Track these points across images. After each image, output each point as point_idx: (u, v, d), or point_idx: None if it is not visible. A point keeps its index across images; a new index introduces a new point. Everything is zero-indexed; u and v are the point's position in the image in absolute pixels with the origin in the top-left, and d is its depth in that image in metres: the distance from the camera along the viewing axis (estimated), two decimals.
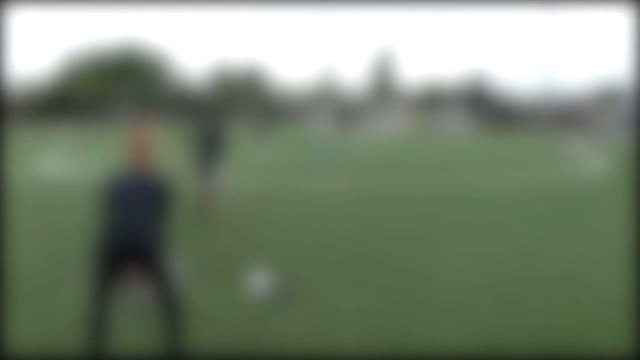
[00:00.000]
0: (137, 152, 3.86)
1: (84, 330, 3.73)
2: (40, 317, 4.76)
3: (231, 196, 11.56)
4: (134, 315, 3.76)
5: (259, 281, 5.48)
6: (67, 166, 18.89)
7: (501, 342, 4.20)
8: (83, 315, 3.77)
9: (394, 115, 67.84)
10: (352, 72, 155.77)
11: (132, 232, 3.60)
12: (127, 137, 3.90)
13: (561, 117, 55.08)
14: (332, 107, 62.38)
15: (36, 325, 4.60)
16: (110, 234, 3.59)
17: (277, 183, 13.83)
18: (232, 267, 6.26)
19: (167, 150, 3.88)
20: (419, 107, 75.44)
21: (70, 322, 4.62)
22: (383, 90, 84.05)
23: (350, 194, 11.89)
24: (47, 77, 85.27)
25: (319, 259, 6.60)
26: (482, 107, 70.76)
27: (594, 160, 14.09)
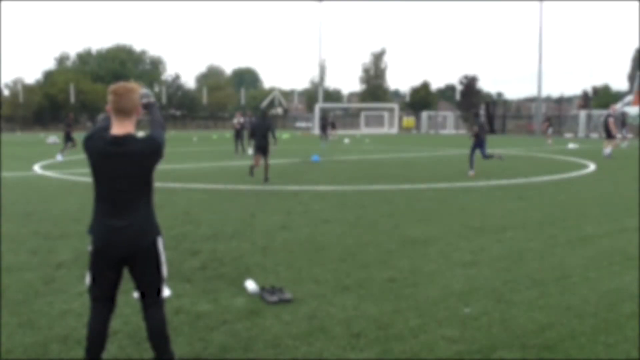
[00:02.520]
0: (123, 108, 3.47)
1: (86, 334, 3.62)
2: (30, 321, 4.68)
3: (223, 196, 11.51)
4: None
5: (251, 283, 5.43)
6: (59, 170, 18.73)
7: (494, 346, 4.15)
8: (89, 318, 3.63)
9: (387, 116, 67.86)
10: (345, 74, 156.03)
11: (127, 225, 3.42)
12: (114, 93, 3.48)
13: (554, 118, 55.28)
14: (324, 109, 62.32)
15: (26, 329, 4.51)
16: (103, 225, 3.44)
17: (268, 184, 13.78)
18: (225, 268, 6.19)
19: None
20: (411, 108, 75.62)
21: (61, 326, 4.55)
22: (375, 92, 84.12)
23: (341, 196, 11.85)
24: (37, 78, 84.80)
25: (310, 261, 6.55)
26: (474, 107, 70.91)
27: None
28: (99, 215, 3.50)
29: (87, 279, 3.56)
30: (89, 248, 3.53)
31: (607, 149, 22.80)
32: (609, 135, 23.27)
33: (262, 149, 14.29)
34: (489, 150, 16.40)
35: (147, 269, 3.54)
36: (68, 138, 23.14)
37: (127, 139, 3.43)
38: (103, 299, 3.55)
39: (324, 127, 34.78)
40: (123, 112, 3.46)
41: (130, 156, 3.41)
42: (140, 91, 3.62)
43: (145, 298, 3.60)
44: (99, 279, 3.52)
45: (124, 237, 3.44)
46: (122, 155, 3.41)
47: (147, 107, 3.75)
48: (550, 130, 35.66)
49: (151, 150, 3.47)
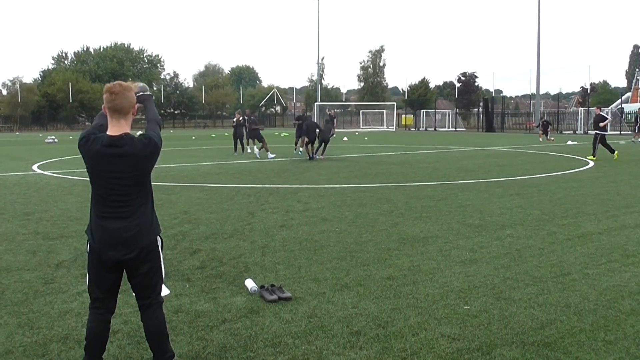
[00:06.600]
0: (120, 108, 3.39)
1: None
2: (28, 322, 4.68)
3: (222, 195, 11.50)
4: None
5: (250, 282, 5.43)
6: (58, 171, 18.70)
7: (494, 343, 4.16)
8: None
9: (386, 114, 67.85)
10: (344, 72, 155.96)
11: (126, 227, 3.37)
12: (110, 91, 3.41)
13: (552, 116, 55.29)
14: (323, 107, 62.30)
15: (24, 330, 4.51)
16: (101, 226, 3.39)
17: (266, 182, 13.78)
18: (224, 267, 6.19)
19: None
20: (410, 106, 75.56)
21: (61, 328, 4.55)
22: (374, 90, 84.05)
23: (340, 194, 11.85)
24: (35, 78, 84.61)
25: (310, 259, 6.55)
26: (472, 105, 70.93)
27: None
28: (96, 216, 3.43)
29: (87, 279, 3.55)
30: (87, 248, 3.51)
31: None
32: None
33: (312, 142, 21.29)
34: (324, 151, 21.90)
35: (148, 269, 3.50)
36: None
37: (124, 139, 3.35)
38: (102, 299, 3.52)
39: (298, 132, 24.20)
40: (119, 111, 3.37)
41: (127, 157, 3.35)
42: (137, 85, 3.60)
43: (145, 298, 3.58)
44: (97, 280, 3.49)
45: (121, 239, 3.37)
46: (118, 157, 3.34)
47: (143, 101, 3.68)
48: (547, 133, 35.68)
49: (149, 151, 3.40)
